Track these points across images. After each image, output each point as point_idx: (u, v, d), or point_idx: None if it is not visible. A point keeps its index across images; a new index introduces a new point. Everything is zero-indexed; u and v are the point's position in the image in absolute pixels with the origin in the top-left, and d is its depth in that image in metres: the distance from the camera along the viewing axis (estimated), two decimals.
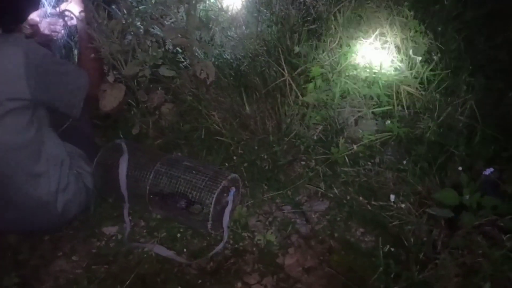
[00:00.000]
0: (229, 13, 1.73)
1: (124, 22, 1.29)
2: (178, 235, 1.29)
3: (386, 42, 1.68)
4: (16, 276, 1.03)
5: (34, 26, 1.36)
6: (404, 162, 1.38)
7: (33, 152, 1.15)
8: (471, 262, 1.07)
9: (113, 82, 1.30)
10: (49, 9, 1.38)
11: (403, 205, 1.26)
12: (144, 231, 1.30)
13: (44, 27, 1.38)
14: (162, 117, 1.48)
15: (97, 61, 1.32)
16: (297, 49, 1.67)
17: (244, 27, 1.79)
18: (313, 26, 1.81)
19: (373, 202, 1.30)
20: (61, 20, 1.39)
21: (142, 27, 1.36)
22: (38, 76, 1.10)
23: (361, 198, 1.31)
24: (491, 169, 1.16)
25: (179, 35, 1.35)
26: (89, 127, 1.45)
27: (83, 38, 1.33)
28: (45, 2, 1.37)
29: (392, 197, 1.28)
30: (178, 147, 1.50)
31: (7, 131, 1.09)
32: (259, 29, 1.76)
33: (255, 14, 1.76)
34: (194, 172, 1.26)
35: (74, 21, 1.37)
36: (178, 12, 1.42)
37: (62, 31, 1.40)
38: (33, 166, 1.15)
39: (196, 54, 1.47)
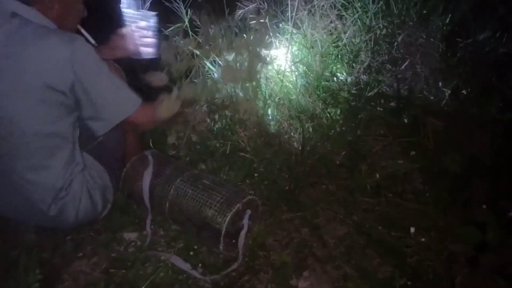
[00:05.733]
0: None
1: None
2: (195, 247, 1.30)
3: (416, 72, 1.68)
4: (40, 273, 1.07)
5: (120, 40, 1.39)
6: (427, 194, 1.36)
7: (53, 146, 1.18)
8: None
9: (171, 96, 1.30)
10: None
11: (423, 239, 1.24)
12: (163, 240, 1.33)
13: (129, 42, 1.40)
14: (195, 133, 1.52)
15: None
16: (326, 73, 1.70)
17: (275, 49, 1.83)
18: (343, 52, 1.83)
19: (392, 233, 1.28)
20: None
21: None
22: (80, 74, 1.13)
23: (380, 227, 1.30)
24: None
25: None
26: (119, 146, 1.41)
27: None
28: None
29: (412, 229, 1.26)
30: (203, 160, 1.54)
31: (38, 118, 1.13)
32: (289, 51, 1.79)
33: (287, 37, 1.80)
34: (211, 191, 1.27)
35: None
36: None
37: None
38: (46, 159, 1.18)
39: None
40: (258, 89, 1.51)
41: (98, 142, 1.28)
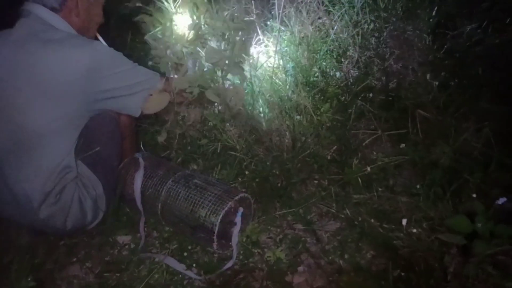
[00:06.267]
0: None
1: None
2: (189, 247, 1.30)
3: (404, 65, 1.69)
4: (32, 279, 1.07)
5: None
6: (418, 186, 1.37)
7: (50, 146, 1.19)
8: None
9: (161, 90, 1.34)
10: None
11: (414, 230, 1.25)
12: (157, 242, 1.33)
13: None
14: (186, 133, 1.52)
15: None
16: (314, 69, 1.70)
17: (263, 46, 1.83)
18: (331, 47, 1.84)
19: (384, 225, 1.29)
20: None
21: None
22: (99, 83, 1.20)
23: (372, 220, 1.31)
24: (504, 199, 1.15)
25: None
26: (116, 156, 1.39)
27: None
28: None
29: (404, 221, 1.27)
30: (195, 160, 1.53)
31: (44, 117, 1.17)
32: (278, 48, 1.79)
33: (275, 34, 1.80)
34: (203, 191, 1.27)
35: None
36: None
37: None
38: (40, 159, 1.19)
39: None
40: (243, 75, 1.51)
41: (94, 151, 1.28)
